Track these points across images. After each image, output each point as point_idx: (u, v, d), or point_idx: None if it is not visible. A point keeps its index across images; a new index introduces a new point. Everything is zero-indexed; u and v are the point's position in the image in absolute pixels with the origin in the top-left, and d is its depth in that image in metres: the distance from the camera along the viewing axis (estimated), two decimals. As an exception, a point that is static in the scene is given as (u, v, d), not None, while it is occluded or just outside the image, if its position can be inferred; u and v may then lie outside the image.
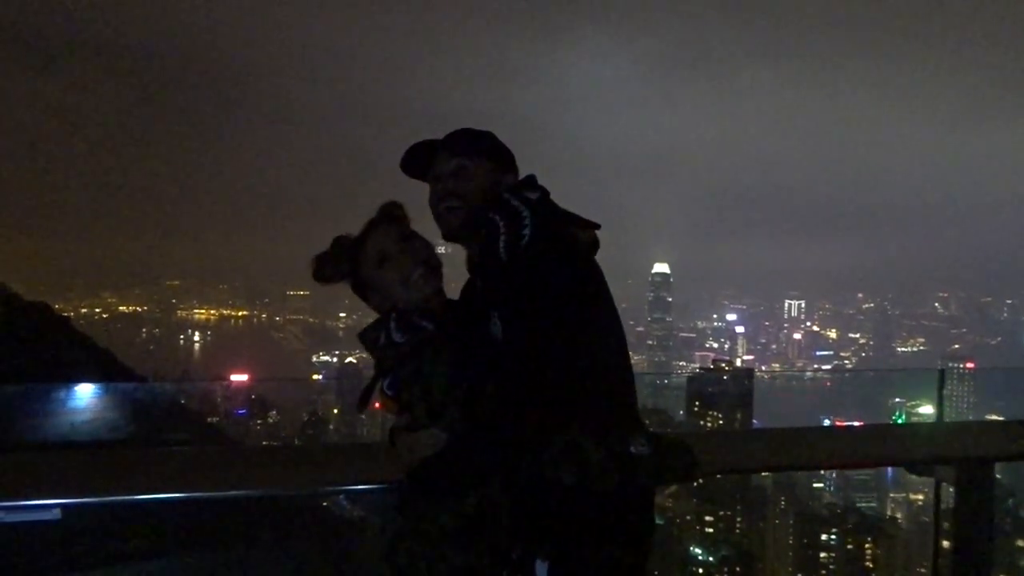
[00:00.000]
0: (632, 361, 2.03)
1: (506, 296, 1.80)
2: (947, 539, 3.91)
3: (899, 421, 9.09)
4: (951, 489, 3.79)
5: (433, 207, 1.95)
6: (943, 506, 4.03)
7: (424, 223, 1.98)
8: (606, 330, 1.86)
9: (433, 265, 1.92)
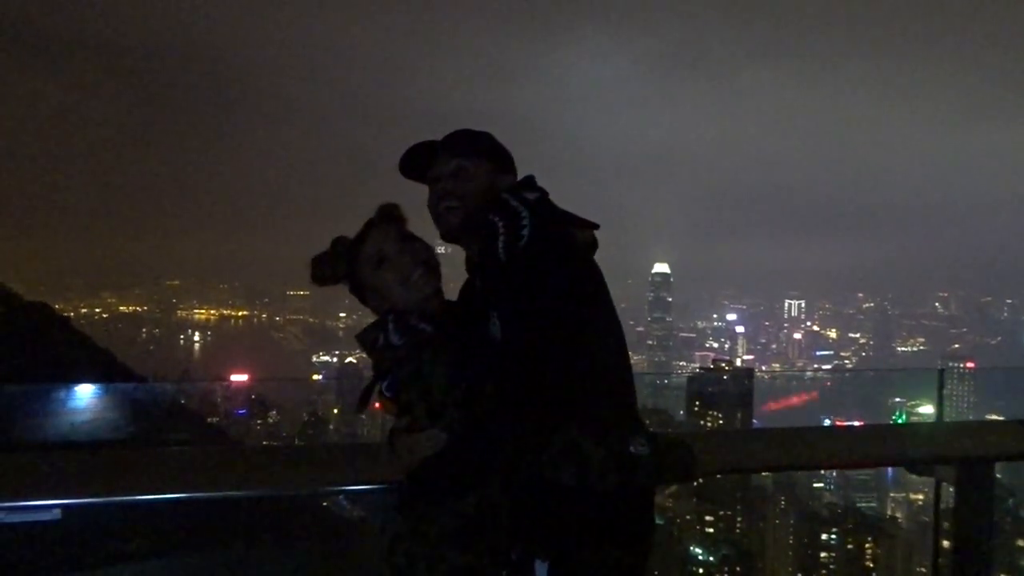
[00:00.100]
0: (632, 361, 2.03)
1: (505, 296, 1.80)
2: (947, 539, 3.91)
3: (899, 421, 9.08)
4: (951, 489, 3.80)
5: (432, 208, 1.95)
6: (943, 506, 4.03)
7: (422, 224, 1.98)
8: (605, 330, 1.86)
9: (432, 266, 1.92)
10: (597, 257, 1.91)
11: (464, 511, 1.78)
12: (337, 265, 1.94)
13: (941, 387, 5.07)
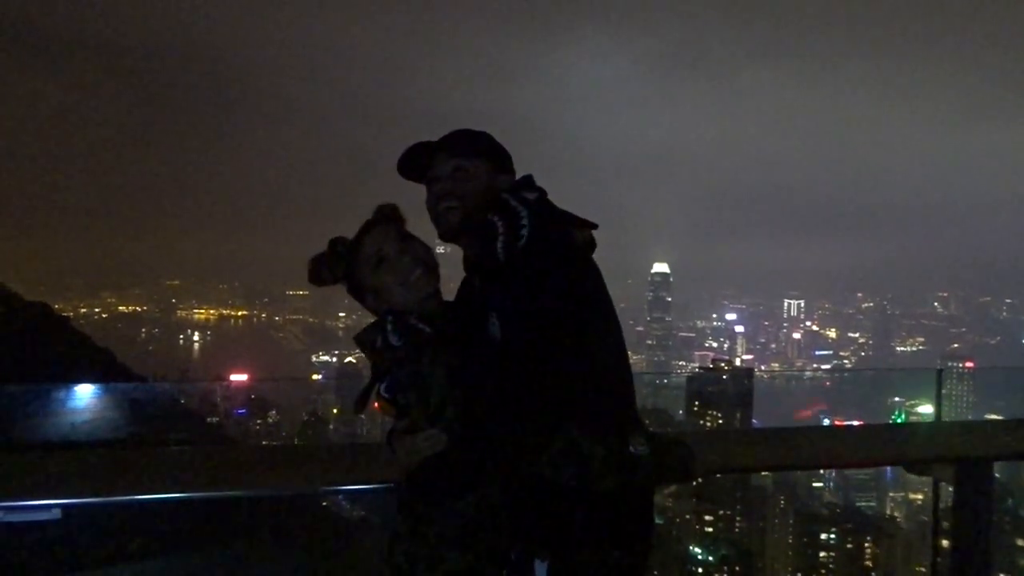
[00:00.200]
0: (631, 361, 2.02)
1: (504, 296, 1.80)
2: (946, 538, 3.92)
3: (898, 420, 9.09)
4: (950, 488, 3.80)
5: (431, 208, 1.94)
6: (942, 505, 4.04)
7: (421, 224, 1.98)
8: (604, 330, 1.86)
9: (431, 266, 1.91)
10: (596, 257, 1.91)
11: (464, 511, 1.78)
12: (336, 266, 1.94)
13: (940, 387, 5.09)
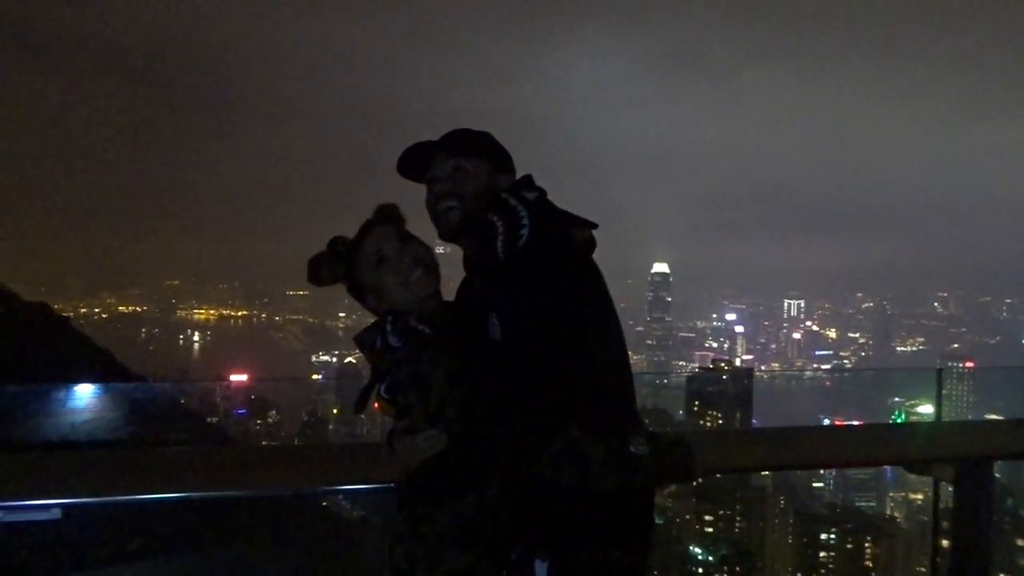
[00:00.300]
0: (631, 361, 2.02)
1: (504, 296, 1.80)
2: (946, 538, 3.92)
3: (898, 420, 9.09)
4: (950, 488, 3.80)
5: (430, 208, 1.94)
6: (942, 505, 4.03)
7: (421, 224, 1.98)
8: (604, 330, 1.86)
9: (431, 267, 1.91)
10: (596, 257, 1.91)
11: (464, 511, 1.78)
12: (335, 265, 1.93)
13: (940, 387, 5.09)
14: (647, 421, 1.94)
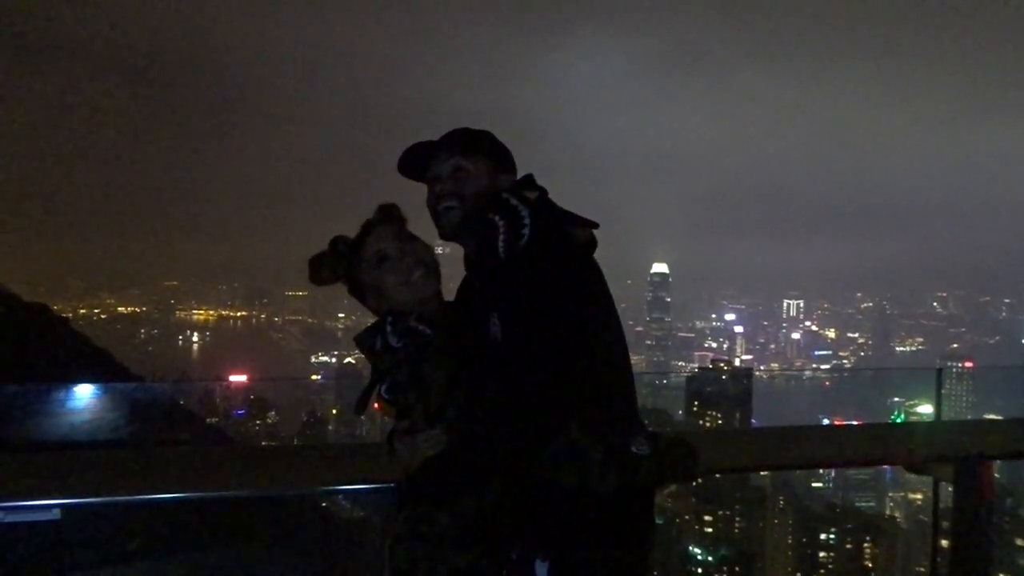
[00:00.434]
0: (631, 361, 2.02)
1: (505, 296, 1.80)
2: (946, 538, 3.92)
3: (898, 420, 9.08)
4: (950, 488, 3.80)
5: (431, 207, 1.93)
6: (942, 505, 4.03)
7: (421, 224, 1.98)
8: (605, 329, 1.86)
9: (432, 267, 1.91)
10: (596, 256, 1.91)
11: (464, 511, 1.78)
12: (336, 265, 1.93)
13: (940, 386, 5.09)
14: (646, 421, 1.94)
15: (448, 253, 2.00)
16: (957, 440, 4.08)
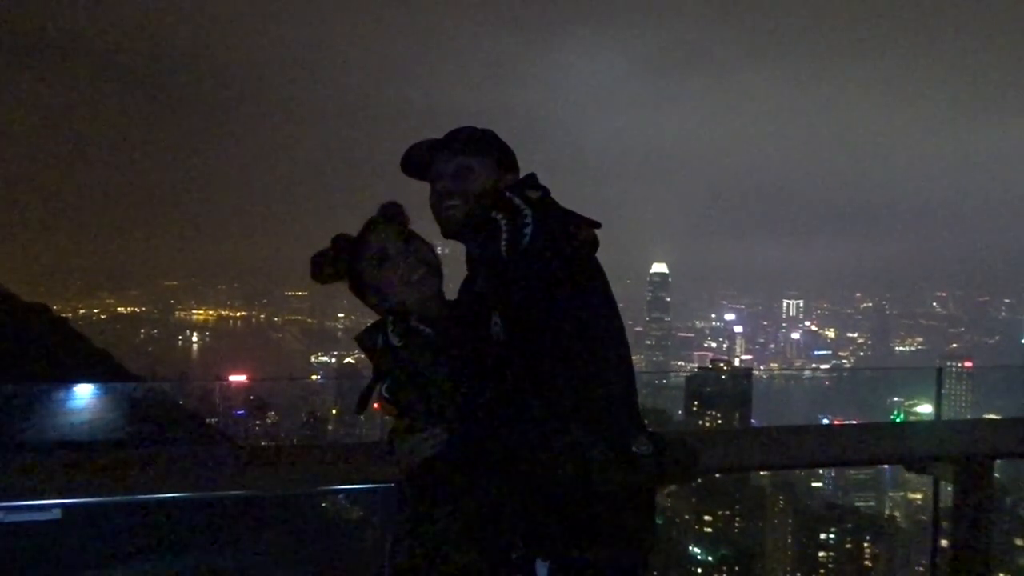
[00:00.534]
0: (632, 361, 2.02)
1: (507, 295, 1.79)
2: (946, 538, 3.92)
3: (897, 420, 9.08)
4: (949, 488, 3.80)
5: (434, 206, 1.93)
6: (941, 505, 4.04)
7: (423, 223, 1.97)
8: (607, 329, 1.86)
9: (433, 266, 1.91)
10: (597, 256, 1.91)
11: (465, 511, 1.78)
12: (338, 263, 1.93)
13: (939, 386, 5.08)
14: (646, 421, 1.94)
15: (449, 252, 2.00)
16: (957, 440, 4.08)
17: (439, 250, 1.95)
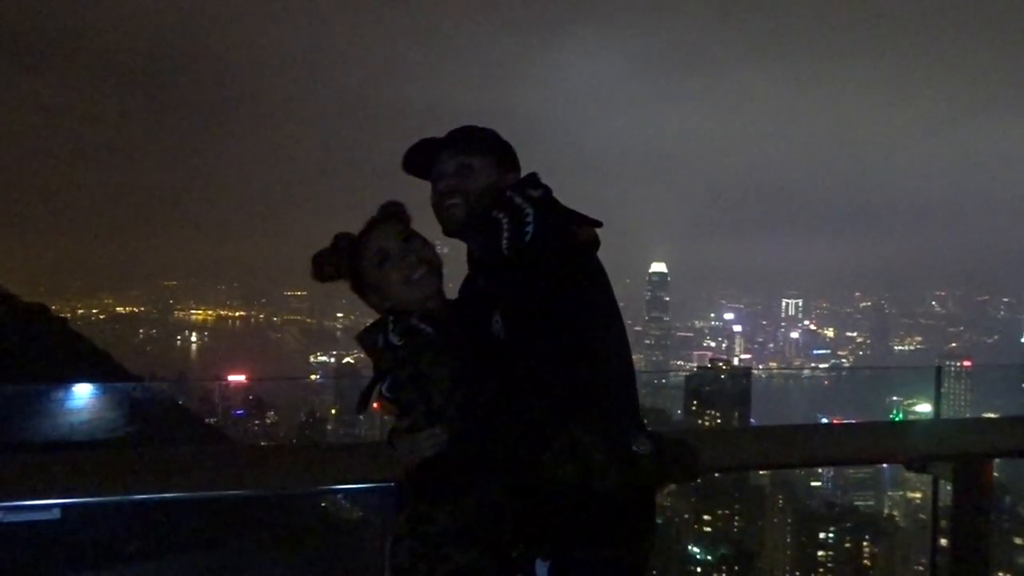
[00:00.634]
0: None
1: (508, 294, 1.80)
2: (945, 537, 3.92)
3: (897, 419, 9.09)
4: (949, 487, 3.80)
5: (435, 205, 1.93)
6: (941, 504, 4.04)
7: (425, 223, 1.97)
8: (608, 328, 1.86)
9: (434, 265, 1.91)
10: (598, 255, 1.91)
11: (465, 510, 1.78)
12: (339, 262, 1.93)
13: (939, 385, 5.09)
14: (646, 421, 1.94)
15: (450, 252, 2.00)
16: (956, 439, 4.09)
17: (440, 249, 1.95)
